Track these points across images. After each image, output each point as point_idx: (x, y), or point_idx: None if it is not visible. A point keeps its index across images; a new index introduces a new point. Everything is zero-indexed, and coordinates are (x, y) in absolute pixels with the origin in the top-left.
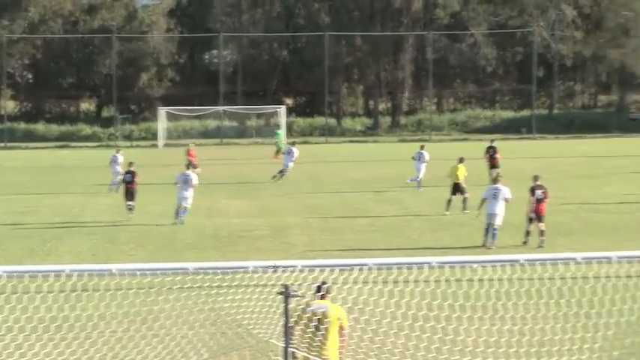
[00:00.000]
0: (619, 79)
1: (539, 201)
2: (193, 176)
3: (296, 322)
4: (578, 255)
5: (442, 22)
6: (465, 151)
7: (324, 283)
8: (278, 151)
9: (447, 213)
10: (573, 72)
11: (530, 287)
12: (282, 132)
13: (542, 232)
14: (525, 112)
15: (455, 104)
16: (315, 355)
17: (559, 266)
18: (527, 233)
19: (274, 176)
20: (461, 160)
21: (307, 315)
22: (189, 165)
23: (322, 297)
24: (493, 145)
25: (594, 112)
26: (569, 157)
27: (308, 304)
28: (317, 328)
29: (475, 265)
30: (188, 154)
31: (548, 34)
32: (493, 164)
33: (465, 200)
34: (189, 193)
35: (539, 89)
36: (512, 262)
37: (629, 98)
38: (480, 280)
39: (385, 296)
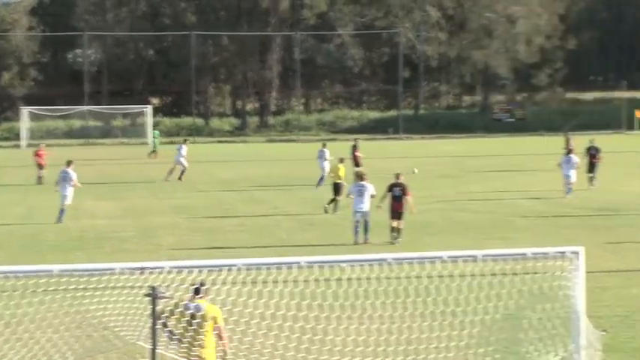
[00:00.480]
0: (483, 80)
1: (396, 199)
2: (73, 174)
3: (166, 321)
4: (445, 254)
5: (309, 22)
6: (334, 151)
7: (202, 284)
8: (153, 151)
9: (333, 212)
10: (438, 73)
11: (398, 286)
12: (158, 132)
13: (398, 230)
14: (392, 113)
15: (323, 104)
16: (182, 356)
17: (426, 265)
18: (392, 229)
19: (167, 175)
20: (341, 160)
21: (177, 314)
22: (69, 163)
23: (200, 298)
24: (356, 144)
25: (459, 112)
26: (434, 157)
27: (177, 304)
28: (187, 328)
29: (344, 265)
30: (36, 154)
31: (413, 35)
32: (357, 163)
33: (337, 202)
34: (69, 192)
35: (406, 90)
36: (380, 261)
37: (493, 99)
38: (349, 279)
39: (254, 297)
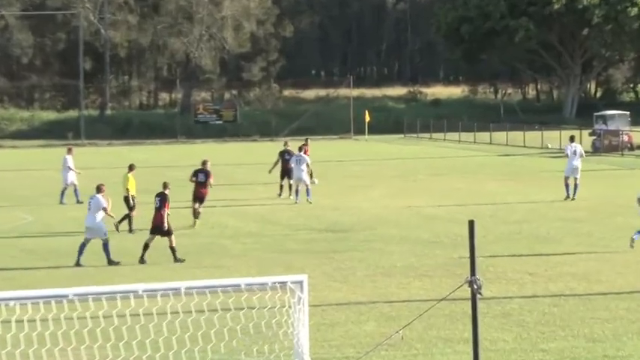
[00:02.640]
0: (183, 74)
1: (201, 184)
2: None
3: None
4: (140, 286)
5: None
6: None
7: None
8: None
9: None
10: (129, 64)
11: (82, 328)
12: None
13: (198, 214)
14: (72, 113)
15: None
16: None
17: (117, 301)
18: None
19: None
20: (130, 168)
21: None
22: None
23: None
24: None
25: (155, 113)
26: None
27: None
28: None
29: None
30: None
31: (96, 17)
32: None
33: (130, 220)
34: None
35: (88, 85)
36: (58, 297)
37: (196, 97)
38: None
39: None
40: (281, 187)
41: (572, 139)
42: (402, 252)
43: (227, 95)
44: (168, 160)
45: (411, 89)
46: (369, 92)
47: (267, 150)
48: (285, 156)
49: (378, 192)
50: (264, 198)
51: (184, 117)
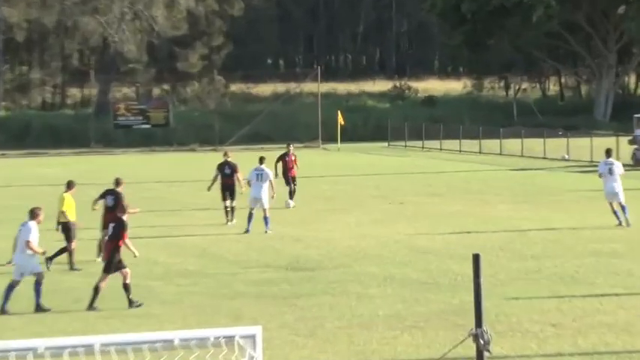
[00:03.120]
0: (98, 64)
1: (110, 209)
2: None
3: None
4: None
5: None
6: None
7: None
8: None
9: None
10: (28, 52)
11: None
12: None
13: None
14: None
15: None
16: None
17: None
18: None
19: None
20: (69, 186)
21: None
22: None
23: None
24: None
25: (63, 113)
26: (30, 186)
27: None
28: None
29: None
30: None
31: None
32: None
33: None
34: None
35: None
36: None
37: (117, 93)
38: None
39: None
40: (226, 211)
41: (608, 153)
42: (385, 296)
43: (156, 91)
44: (79, 176)
45: (397, 84)
46: (343, 87)
47: (209, 163)
48: (224, 170)
49: (354, 218)
50: (205, 226)
51: (100, 119)
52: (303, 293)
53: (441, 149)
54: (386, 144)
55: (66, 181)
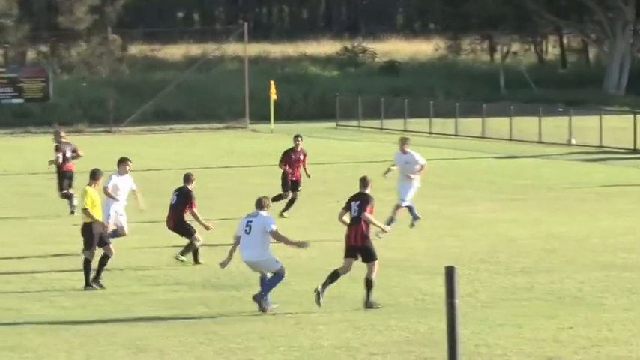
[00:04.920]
0: None
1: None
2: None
3: None
4: None
5: None
6: None
7: None
8: None
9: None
10: None
11: None
12: None
13: None
14: None
15: None
16: None
17: None
18: None
19: None
20: (94, 177)
21: None
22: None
23: None
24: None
25: None
26: None
27: None
28: None
29: None
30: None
31: None
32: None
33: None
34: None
35: None
36: None
37: None
38: None
39: None
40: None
41: None
42: (331, 322)
43: (31, 55)
44: None
45: (349, 45)
46: (277, 50)
47: (101, 148)
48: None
49: (291, 220)
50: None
51: None
52: (226, 318)
53: (404, 130)
54: (334, 124)
55: (90, 171)
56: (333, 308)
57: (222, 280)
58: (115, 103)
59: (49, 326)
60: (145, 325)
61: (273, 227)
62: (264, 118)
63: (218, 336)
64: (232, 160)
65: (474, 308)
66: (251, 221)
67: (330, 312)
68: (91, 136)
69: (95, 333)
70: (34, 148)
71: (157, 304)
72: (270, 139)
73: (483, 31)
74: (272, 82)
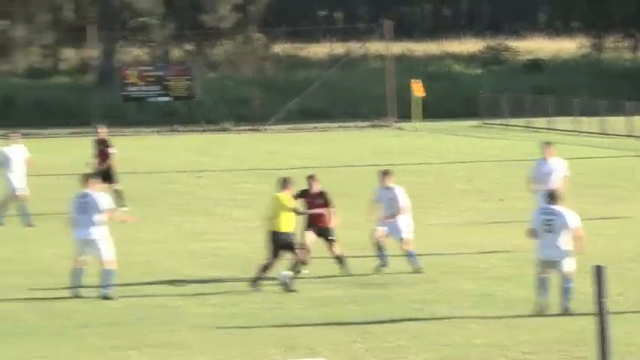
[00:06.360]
0: (101, 17)
1: None
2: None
3: None
4: None
5: None
6: None
7: None
8: None
9: None
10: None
11: None
12: None
13: None
14: None
15: None
16: None
17: None
18: None
19: None
20: (285, 185)
21: None
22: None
23: None
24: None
25: (56, 82)
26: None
27: None
28: None
29: None
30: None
31: None
32: None
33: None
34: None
35: None
36: None
37: (125, 55)
38: None
39: None
40: None
41: None
42: (483, 321)
43: (177, 53)
44: (77, 164)
45: (492, 43)
46: (420, 48)
47: (248, 147)
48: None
49: (438, 220)
50: (246, 228)
51: (105, 90)
52: (376, 316)
53: (550, 129)
54: (478, 122)
55: (280, 179)
56: (485, 307)
57: (371, 279)
58: (259, 102)
59: (202, 323)
60: (296, 323)
61: None
62: (407, 116)
63: (369, 334)
64: (380, 159)
65: (625, 308)
66: (551, 219)
67: (481, 310)
68: (236, 134)
69: (247, 331)
70: (181, 147)
71: (307, 302)
72: (415, 137)
73: (627, 29)
74: (413, 81)
